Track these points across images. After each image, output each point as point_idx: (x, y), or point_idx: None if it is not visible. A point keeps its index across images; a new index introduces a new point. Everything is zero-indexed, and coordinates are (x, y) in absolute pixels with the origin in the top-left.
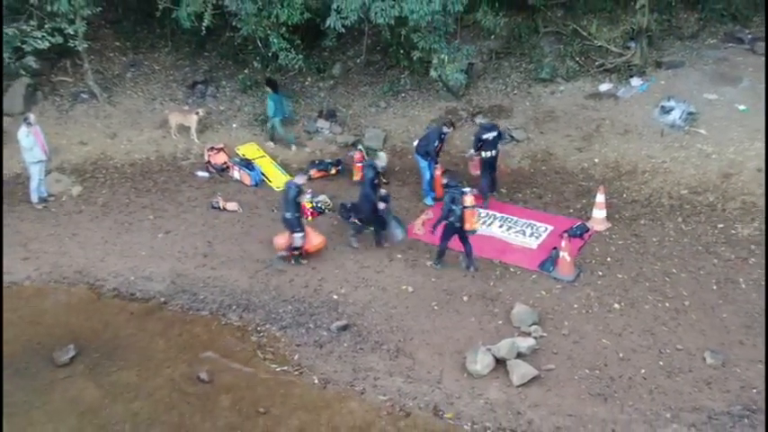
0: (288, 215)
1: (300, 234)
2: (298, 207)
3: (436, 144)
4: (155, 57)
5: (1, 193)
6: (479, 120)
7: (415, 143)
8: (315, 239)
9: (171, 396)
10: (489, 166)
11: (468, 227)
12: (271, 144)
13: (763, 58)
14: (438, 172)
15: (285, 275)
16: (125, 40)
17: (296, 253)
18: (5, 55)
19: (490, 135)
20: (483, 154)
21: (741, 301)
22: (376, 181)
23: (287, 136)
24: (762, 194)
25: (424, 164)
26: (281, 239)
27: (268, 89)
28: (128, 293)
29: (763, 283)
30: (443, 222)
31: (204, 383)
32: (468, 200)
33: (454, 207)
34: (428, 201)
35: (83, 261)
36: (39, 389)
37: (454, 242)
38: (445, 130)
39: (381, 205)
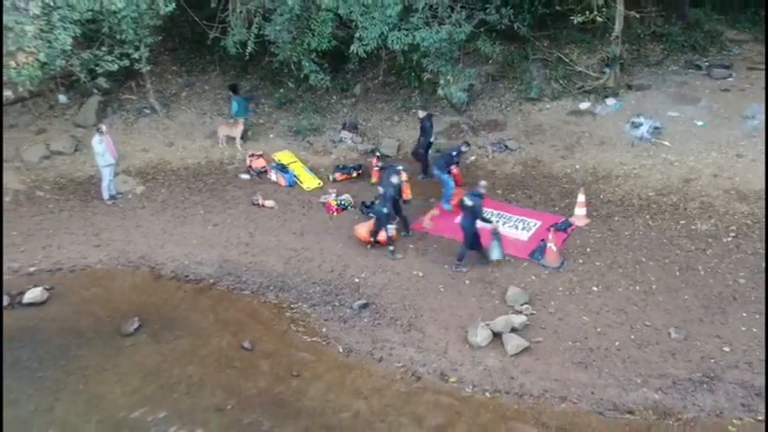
0: (386, 210)
1: (392, 226)
2: (395, 203)
3: (455, 159)
4: (205, 78)
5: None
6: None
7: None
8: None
9: (219, 361)
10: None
11: (405, 197)
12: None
13: (718, 82)
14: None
15: (314, 262)
16: (181, 64)
17: (382, 242)
18: (81, 75)
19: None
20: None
21: (700, 286)
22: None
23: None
24: (717, 195)
25: (445, 177)
26: (362, 230)
27: (230, 92)
28: (183, 275)
29: (720, 269)
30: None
31: (247, 351)
32: (404, 175)
33: (393, 182)
34: (446, 206)
35: (145, 248)
36: (108, 354)
37: (452, 230)
38: (463, 149)
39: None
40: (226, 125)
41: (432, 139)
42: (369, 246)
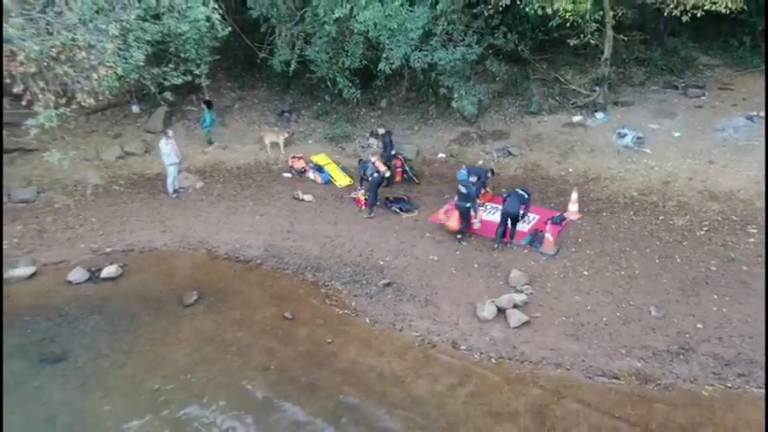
0: (468, 205)
1: (477, 219)
2: (378, 185)
3: (483, 181)
4: (254, 93)
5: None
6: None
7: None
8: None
9: (264, 329)
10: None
11: (381, 171)
12: (209, 148)
13: (692, 100)
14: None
15: (345, 247)
16: (234, 80)
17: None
18: (151, 88)
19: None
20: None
21: (677, 272)
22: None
23: (211, 139)
24: (692, 195)
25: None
26: (453, 222)
27: (204, 107)
28: (234, 257)
29: (694, 258)
30: (367, 179)
31: (288, 320)
32: (374, 158)
33: (368, 165)
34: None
35: (203, 233)
36: (172, 321)
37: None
38: (489, 175)
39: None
40: (271, 132)
41: (392, 152)
42: (458, 238)
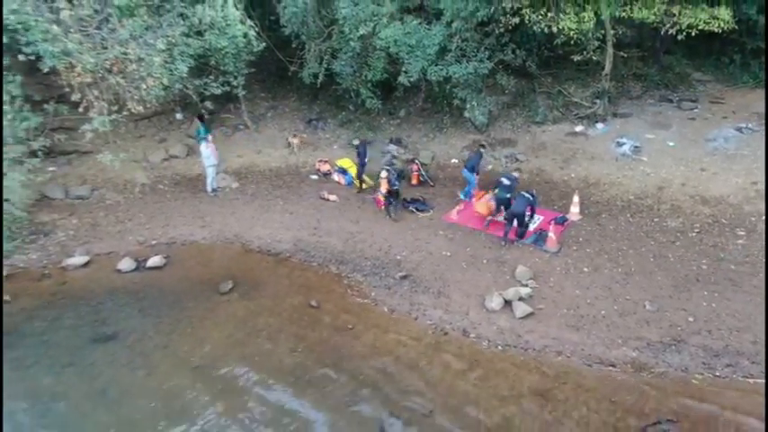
0: (509, 196)
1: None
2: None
3: (477, 161)
4: (285, 102)
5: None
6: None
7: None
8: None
9: (292, 315)
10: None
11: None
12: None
13: (686, 113)
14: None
15: (366, 242)
16: (267, 91)
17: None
18: (194, 97)
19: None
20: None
21: (670, 270)
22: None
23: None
24: (684, 200)
25: (469, 176)
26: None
27: (197, 121)
28: (266, 250)
29: (686, 257)
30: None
31: (313, 308)
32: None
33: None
34: (462, 196)
35: (238, 229)
36: (209, 307)
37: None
38: (481, 150)
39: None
40: (298, 138)
41: (366, 160)
42: (503, 241)
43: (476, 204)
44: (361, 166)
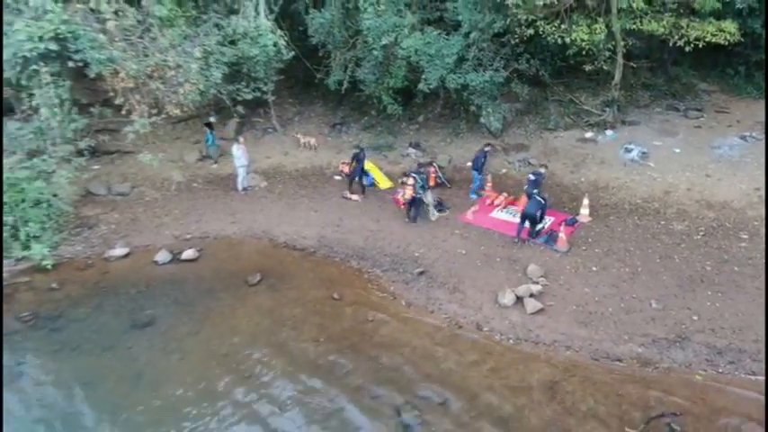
0: (536, 191)
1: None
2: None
3: (483, 161)
4: (312, 108)
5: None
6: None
7: (470, 163)
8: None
9: (316, 307)
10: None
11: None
12: (210, 160)
13: (692, 121)
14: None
15: (385, 240)
16: (295, 97)
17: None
18: (227, 102)
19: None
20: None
21: (675, 270)
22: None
23: (215, 155)
24: (690, 204)
25: (475, 174)
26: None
27: (206, 128)
28: (292, 245)
29: (691, 259)
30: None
31: (336, 301)
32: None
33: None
34: (473, 196)
35: (266, 225)
36: (239, 298)
37: (490, 223)
38: (486, 149)
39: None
40: (307, 135)
41: (362, 166)
42: (516, 239)
43: (494, 211)
44: (360, 171)
